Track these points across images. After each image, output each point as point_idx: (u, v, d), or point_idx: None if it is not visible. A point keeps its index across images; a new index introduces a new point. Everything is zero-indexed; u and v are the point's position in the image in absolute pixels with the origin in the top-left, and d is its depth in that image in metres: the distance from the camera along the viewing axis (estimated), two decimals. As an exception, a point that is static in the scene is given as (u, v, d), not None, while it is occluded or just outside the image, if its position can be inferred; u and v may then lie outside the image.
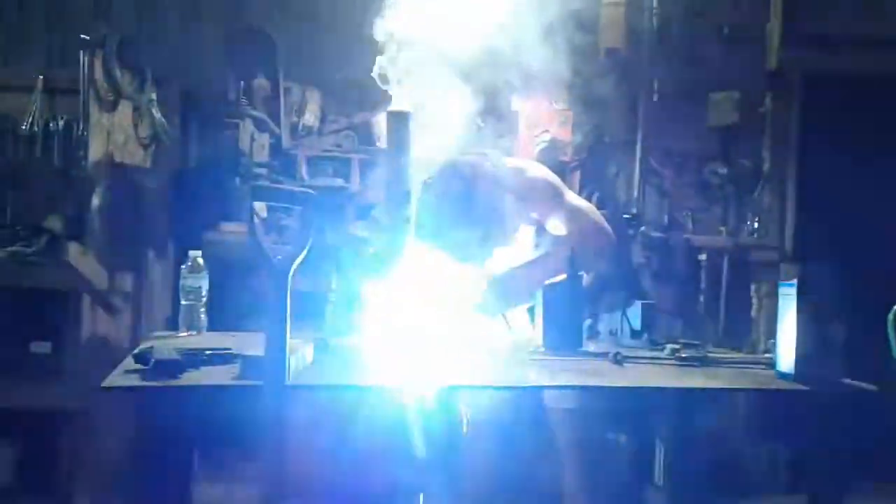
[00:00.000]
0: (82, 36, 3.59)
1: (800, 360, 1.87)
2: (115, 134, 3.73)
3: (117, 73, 3.65)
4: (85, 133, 3.52)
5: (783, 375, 1.92)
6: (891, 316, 2.33)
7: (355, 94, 4.10)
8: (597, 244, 2.56)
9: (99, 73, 3.60)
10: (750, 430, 4.32)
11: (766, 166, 4.37)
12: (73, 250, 3.35)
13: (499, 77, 2.48)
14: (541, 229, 2.61)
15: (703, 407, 4.16)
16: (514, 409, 2.81)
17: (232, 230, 3.88)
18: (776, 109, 4.35)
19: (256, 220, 2.14)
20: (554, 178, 2.59)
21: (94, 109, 3.57)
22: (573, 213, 2.55)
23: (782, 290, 1.94)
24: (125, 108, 3.79)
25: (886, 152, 4.41)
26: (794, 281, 1.89)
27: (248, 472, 3.80)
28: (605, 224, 2.65)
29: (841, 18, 4.21)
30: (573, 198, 2.65)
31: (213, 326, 2.45)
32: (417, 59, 2.35)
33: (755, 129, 4.37)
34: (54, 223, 3.52)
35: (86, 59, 3.53)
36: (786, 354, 1.91)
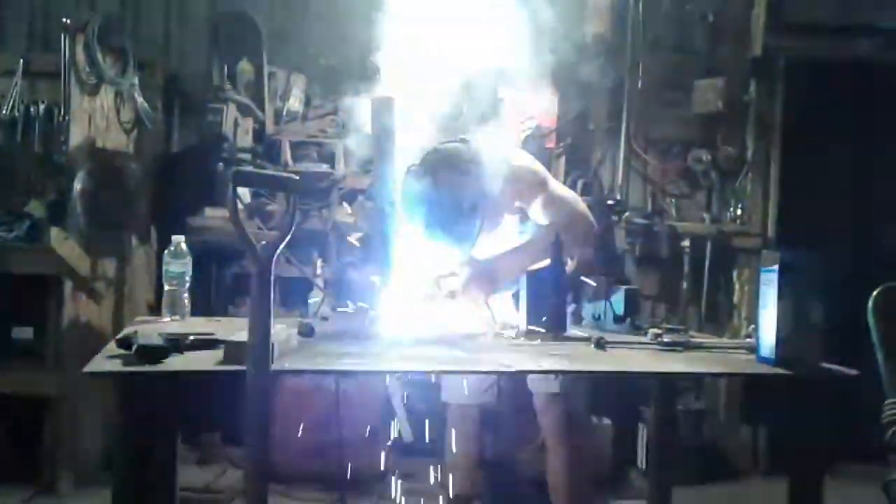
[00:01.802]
0: (64, 19, 3.56)
1: (780, 344, 1.89)
2: (96, 118, 3.70)
3: (99, 56, 3.61)
4: (66, 118, 3.49)
5: (764, 360, 1.94)
6: (871, 301, 2.35)
7: (340, 79, 4.07)
8: (580, 231, 2.56)
9: (81, 57, 3.56)
10: (731, 414, 4.38)
11: (750, 153, 4.40)
12: (55, 235, 3.32)
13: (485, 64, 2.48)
14: (525, 216, 2.61)
15: (684, 391, 4.20)
16: (498, 394, 2.83)
17: (215, 215, 3.87)
18: (760, 97, 4.37)
19: (240, 205, 2.13)
20: (538, 166, 2.59)
21: (75, 94, 3.54)
22: (557, 201, 2.55)
23: (764, 276, 1.95)
24: (107, 93, 3.76)
25: (868, 139, 4.45)
26: (776, 267, 1.91)
27: (232, 456, 3.81)
28: (588, 211, 2.66)
29: (825, 6, 4.23)
30: (557, 185, 2.66)
31: (196, 312, 2.44)
32: (404, 45, 2.34)
33: (739, 116, 4.39)
34: (36, 208, 3.49)
35: (67, 42, 3.49)
36: (767, 339, 1.93)
